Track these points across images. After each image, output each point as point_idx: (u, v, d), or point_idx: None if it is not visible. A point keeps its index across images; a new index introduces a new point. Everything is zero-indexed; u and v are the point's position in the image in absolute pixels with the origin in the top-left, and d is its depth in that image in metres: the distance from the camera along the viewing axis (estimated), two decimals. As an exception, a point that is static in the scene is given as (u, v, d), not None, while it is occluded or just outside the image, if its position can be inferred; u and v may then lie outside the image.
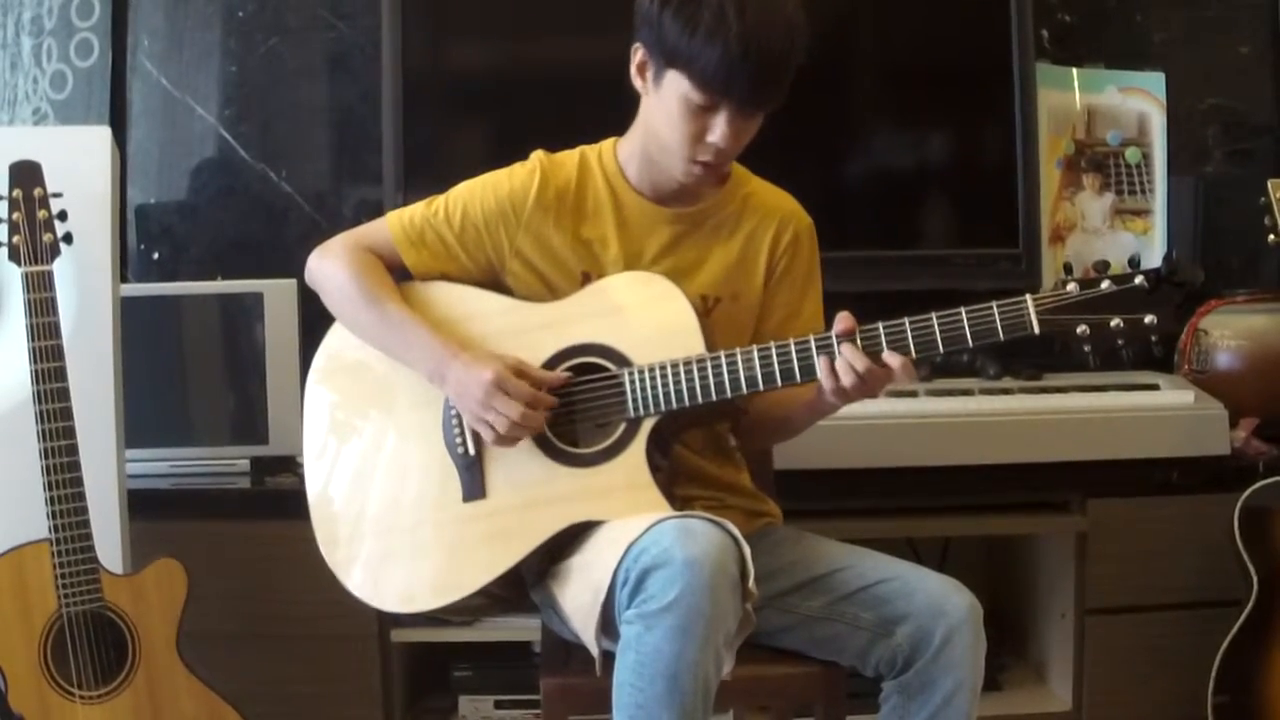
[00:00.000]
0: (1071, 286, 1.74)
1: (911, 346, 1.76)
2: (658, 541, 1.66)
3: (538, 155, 1.97)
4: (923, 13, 2.80)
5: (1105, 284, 1.73)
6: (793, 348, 1.80)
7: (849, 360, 1.76)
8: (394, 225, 1.98)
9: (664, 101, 1.83)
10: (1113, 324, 1.73)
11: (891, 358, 1.76)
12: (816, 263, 2.03)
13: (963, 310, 1.75)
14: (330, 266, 1.97)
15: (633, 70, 1.88)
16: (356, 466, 1.97)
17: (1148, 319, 1.72)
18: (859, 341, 1.77)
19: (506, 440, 1.85)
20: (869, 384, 1.77)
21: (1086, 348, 1.74)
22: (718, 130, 1.81)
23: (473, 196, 1.96)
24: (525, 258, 1.95)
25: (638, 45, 1.86)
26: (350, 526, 1.96)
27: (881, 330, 1.77)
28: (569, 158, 1.98)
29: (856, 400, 1.81)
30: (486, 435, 1.85)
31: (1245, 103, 3.03)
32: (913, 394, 2.54)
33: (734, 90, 1.77)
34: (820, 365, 1.78)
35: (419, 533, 1.91)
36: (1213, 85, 3.02)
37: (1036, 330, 1.73)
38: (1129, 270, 1.74)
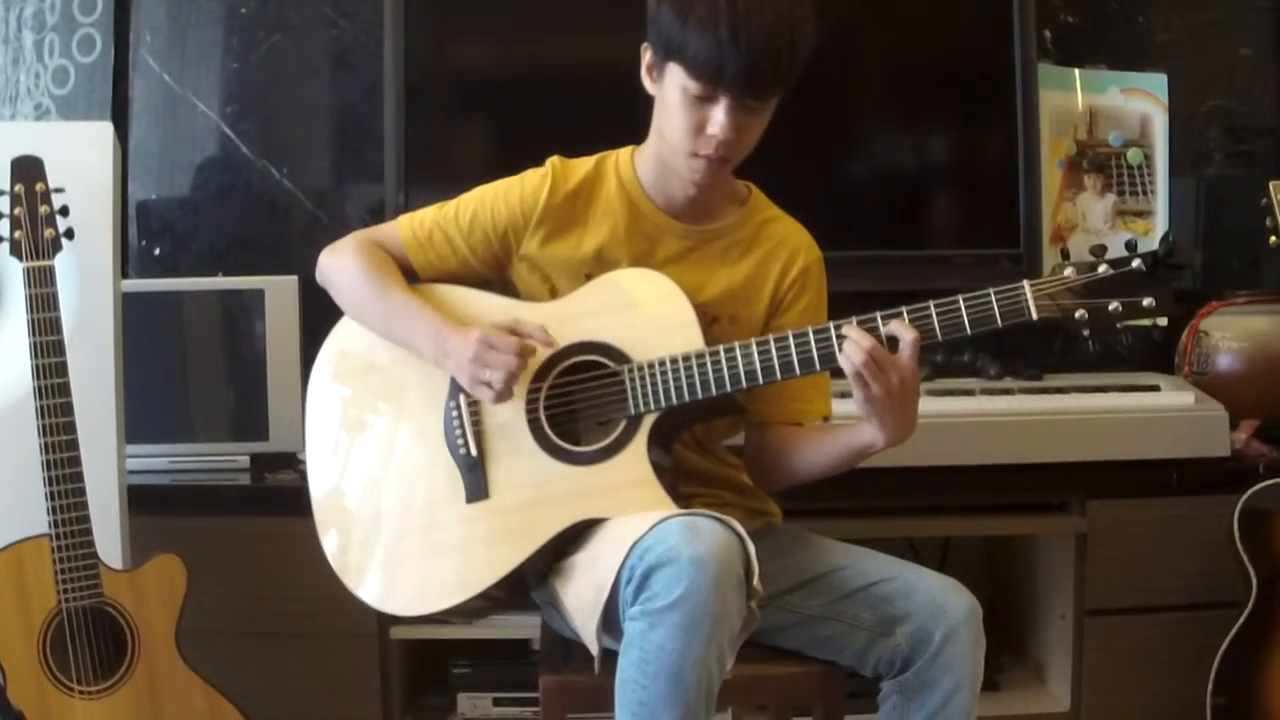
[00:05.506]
0: (1069, 271, 1.73)
1: None
2: (663, 539, 1.66)
3: (552, 160, 1.97)
4: (925, 14, 2.79)
5: (1103, 268, 1.72)
6: (791, 340, 1.80)
7: (855, 340, 1.74)
8: (404, 226, 1.99)
9: (667, 96, 1.83)
10: (1111, 308, 1.72)
11: (902, 329, 1.73)
12: (824, 296, 2.01)
13: (960, 298, 1.74)
14: (340, 261, 1.98)
15: (643, 71, 1.88)
16: (361, 470, 1.97)
17: (1146, 301, 1.71)
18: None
19: (504, 395, 1.83)
20: (884, 369, 1.73)
21: (1086, 332, 1.73)
22: (717, 122, 1.79)
23: (484, 200, 1.96)
24: (532, 261, 1.95)
25: (646, 45, 1.86)
26: (355, 533, 1.96)
27: (879, 319, 1.76)
28: (584, 163, 1.98)
29: (886, 404, 1.76)
30: (485, 395, 1.84)
31: (1247, 104, 3.03)
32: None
33: (725, 77, 1.75)
34: (841, 356, 1.75)
35: (424, 536, 1.91)
36: (1215, 87, 3.02)
37: (1035, 316, 1.72)
38: (1126, 254, 1.73)
